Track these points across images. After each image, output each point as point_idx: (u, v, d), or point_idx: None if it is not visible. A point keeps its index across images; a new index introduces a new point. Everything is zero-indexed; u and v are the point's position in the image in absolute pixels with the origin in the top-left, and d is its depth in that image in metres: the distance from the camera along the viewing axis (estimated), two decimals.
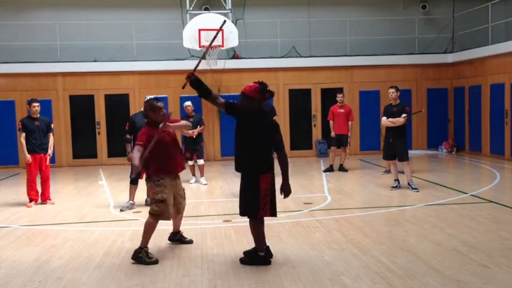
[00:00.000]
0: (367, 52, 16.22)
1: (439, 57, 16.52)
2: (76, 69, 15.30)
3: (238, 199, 5.50)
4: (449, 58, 16.46)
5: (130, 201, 8.62)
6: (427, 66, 16.57)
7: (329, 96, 14.90)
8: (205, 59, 6.55)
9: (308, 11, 16.50)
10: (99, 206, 8.97)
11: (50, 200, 9.30)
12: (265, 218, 5.39)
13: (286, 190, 5.33)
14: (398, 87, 9.84)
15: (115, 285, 4.95)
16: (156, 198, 5.69)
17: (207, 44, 12.88)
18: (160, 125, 5.74)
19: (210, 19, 13.36)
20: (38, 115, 9.16)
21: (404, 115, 9.36)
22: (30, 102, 9.28)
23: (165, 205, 5.68)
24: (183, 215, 6.31)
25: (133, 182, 8.51)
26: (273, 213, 5.38)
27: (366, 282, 4.79)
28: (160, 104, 5.91)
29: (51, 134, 9.35)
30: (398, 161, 9.70)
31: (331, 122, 12.61)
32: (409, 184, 9.54)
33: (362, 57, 16.15)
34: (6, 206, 9.19)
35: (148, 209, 5.90)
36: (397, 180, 9.74)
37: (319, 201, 8.81)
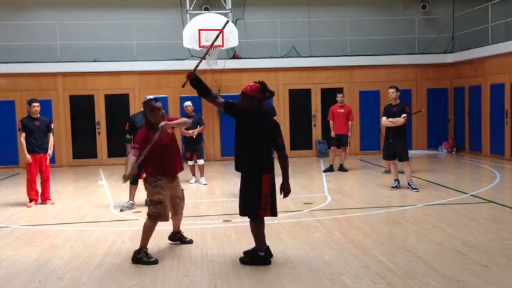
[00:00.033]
0: (367, 52, 16.22)
1: (439, 57, 16.52)
2: (76, 69, 15.30)
3: (238, 199, 5.51)
4: (449, 58, 16.47)
5: (130, 201, 8.63)
6: (427, 66, 16.58)
7: (329, 96, 14.91)
8: (205, 59, 6.54)
9: (308, 11, 16.50)
10: (99, 206, 8.97)
11: (50, 200, 9.30)
12: (265, 217, 5.39)
13: (286, 189, 5.33)
14: (398, 87, 9.85)
15: (115, 285, 4.95)
16: (153, 199, 5.69)
17: (207, 44, 12.93)
18: (162, 123, 5.69)
19: (210, 19, 13.36)
20: (38, 115, 9.16)
21: (404, 115, 9.36)
22: (30, 102, 9.28)
23: (162, 206, 5.67)
24: (183, 215, 6.30)
25: (133, 182, 8.50)
26: (274, 213, 5.37)
27: (366, 282, 4.79)
28: (158, 104, 5.81)
29: (51, 134, 9.35)
30: (398, 161, 9.70)
31: (331, 122, 12.61)
32: (409, 184, 9.54)
33: (362, 57, 16.15)
34: (6, 206, 9.19)
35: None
36: (397, 180, 9.74)
37: (319, 201, 8.81)
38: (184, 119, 6.33)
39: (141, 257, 5.55)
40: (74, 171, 14.53)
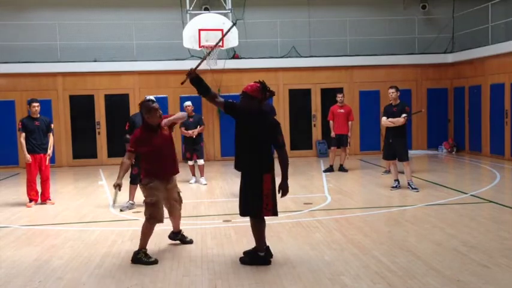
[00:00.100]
0: (367, 52, 16.22)
1: (439, 57, 16.52)
2: (76, 69, 15.30)
3: (238, 199, 5.50)
4: (449, 58, 16.46)
5: (130, 201, 8.63)
6: (427, 66, 16.57)
7: (329, 96, 14.91)
8: (205, 59, 6.54)
9: (308, 11, 16.50)
10: (99, 206, 8.97)
11: (50, 200, 9.30)
12: (266, 217, 5.39)
13: (284, 189, 5.33)
14: (398, 87, 9.84)
15: (115, 285, 4.95)
16: (146, 201, 5.69)
17: (207, 44, 12.95)
18: (164, 121, 5.68)
19: (210, 19, 13.37)
20: (38, 115, 9.16)
21: (404, 115, 9.36)
22: (30, 102, 9.28)
23: (155, 208, 5.66)
24: (183, 215, 6.30)
25: (133, 182, 8.52)
26: (275, 213, 5.38)
27: (366, 282, 4.79)
28: (155, 105, 5.75)
29: (51, 134, 9.35)
30: (398, 161, 9.70)
31: (331, 122, 12.60)
32: (409, 184, 9.53)
33: (362, 57, 16.15)
34: (6, 206, 9.19)
35: None
36: (397, 180, 9.74)
37: (319, 201, 8.81)
38: (181, 113, 6.28)
39: (141, 258, 5.55)
40: (74, 171, 14.53)
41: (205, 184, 11.03)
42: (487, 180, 10.88)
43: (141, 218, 7.26)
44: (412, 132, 16.11)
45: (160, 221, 5.74)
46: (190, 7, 14.84)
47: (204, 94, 5.39)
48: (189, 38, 13.37)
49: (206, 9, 15.55)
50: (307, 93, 16.35)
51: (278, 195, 5.37)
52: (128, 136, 8.40)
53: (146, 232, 5.69)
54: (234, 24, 6.37)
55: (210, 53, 6.58)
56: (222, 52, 14.31)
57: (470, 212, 7.63)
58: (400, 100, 9.68)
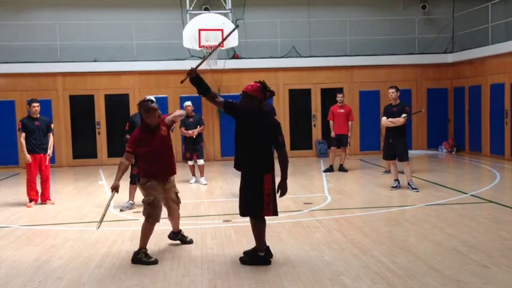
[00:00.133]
0: (367, 52, 16.22)
1: (439, 57, 16.52)
2: (76, 69, 15.30)
3: (238, 199, 5.50)
4: (449, 58, 16.46)
5: (130, 201, 8.63)
6: (427, 66, 16.58)
7: (329, 96, 14.91)
8: (206, 59, 6.56)
9: (308, 11, 16.50)
10: (99, 206, 8.94)
11: (50, 200, 9.30)
12: (266, 217, 5.39)
13: (283, 189, 5.32)
14: (398, 87, 9.84)
15: (115, 285, 4.95)
16: (144, 201, 5.70)
17: (207, 44, 12.95)
18: (168, 118, 5.67)
19: (210, 19, 13.38)
20: (38, 115, 9.16)
21: (404, 115, 9.36)
22: (30, 102, 9.28)
23: (152, 207, 5.67)
24: (183, 215, 6.30)
25: (133, 182, 8.51)
26: (275, 213, 5.38)
27: (366, 282, 4.79)
28: (154, 105, 5.73)
29: (51, 134, 9.35)
30: (398, 161, 9.70)
31: (331, 122, 12.60)
32: (409, 184, 9.53)
33: (362, 57, 16.15)
34: (6, 206, 9.19)
35: None
36: (397, 180, 9.74)
37: (319, 201, 8.81)
38: (180, 111, 6.27)
39: (141, 258, 5.55)
40: (74, 171, 14.53)
41: (205, 184, 11.02)
42: (487, 180, 10.88)
43: (141, 218, 7.26)
44: (412, 132, 16.11)
45: (157, 220, 5.74)
46: (190, 7, 14.84)
47: (204, 94, 5.39)
48: (189, 38, 13.38)
49: (206, 9, 15.55)
50: (307, 93, 16.35)
51: (277, 195, 5.37)
52: (127, 136, 8.40)
53: (146, 232, 5.69)
54: (237, 27, 6.37)
55: (211, 52, 6.58)
56: (222, 52, 14.31)
57: (470, 212, 7.63)
58: (400, 100, 9.68)
